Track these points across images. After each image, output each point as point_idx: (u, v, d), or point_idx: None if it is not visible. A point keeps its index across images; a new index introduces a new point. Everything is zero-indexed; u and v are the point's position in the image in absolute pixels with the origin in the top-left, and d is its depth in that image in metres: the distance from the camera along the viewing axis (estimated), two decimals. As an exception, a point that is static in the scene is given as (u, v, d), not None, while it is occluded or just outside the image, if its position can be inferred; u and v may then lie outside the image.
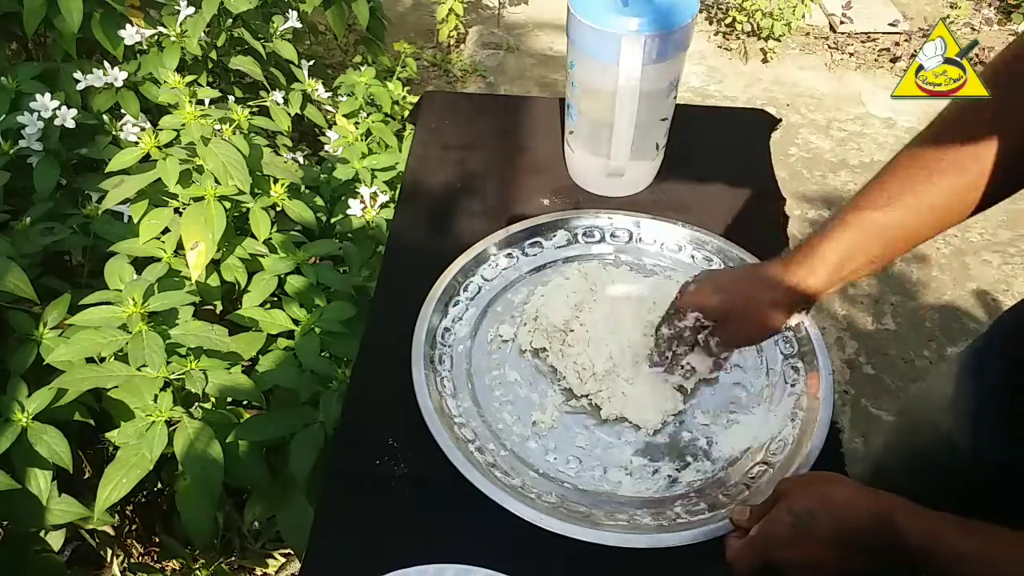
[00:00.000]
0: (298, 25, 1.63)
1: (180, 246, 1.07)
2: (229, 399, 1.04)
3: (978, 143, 0.60)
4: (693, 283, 0.75)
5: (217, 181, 1.08)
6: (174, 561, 1.32)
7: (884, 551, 0.56)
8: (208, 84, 1.51)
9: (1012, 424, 0.71)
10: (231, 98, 1.50)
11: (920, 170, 0.62)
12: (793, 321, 0.72)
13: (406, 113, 1.66)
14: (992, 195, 0.61)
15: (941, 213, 0.63)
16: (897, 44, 3.03)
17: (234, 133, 1.16)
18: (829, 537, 0.58)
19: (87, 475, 1.14)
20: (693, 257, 0.92)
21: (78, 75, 1.24)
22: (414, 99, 1.70)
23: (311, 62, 1.68)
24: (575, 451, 0.75)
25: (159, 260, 1.09)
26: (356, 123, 1.51)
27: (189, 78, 1.15)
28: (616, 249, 0.93)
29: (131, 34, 1.33)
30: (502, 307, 0.87)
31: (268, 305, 1.14)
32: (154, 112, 1.35)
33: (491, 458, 0.72)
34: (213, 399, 1.02)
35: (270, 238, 1.16)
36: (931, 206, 0.62)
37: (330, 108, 1.65)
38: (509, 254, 0.91)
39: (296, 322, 1.10)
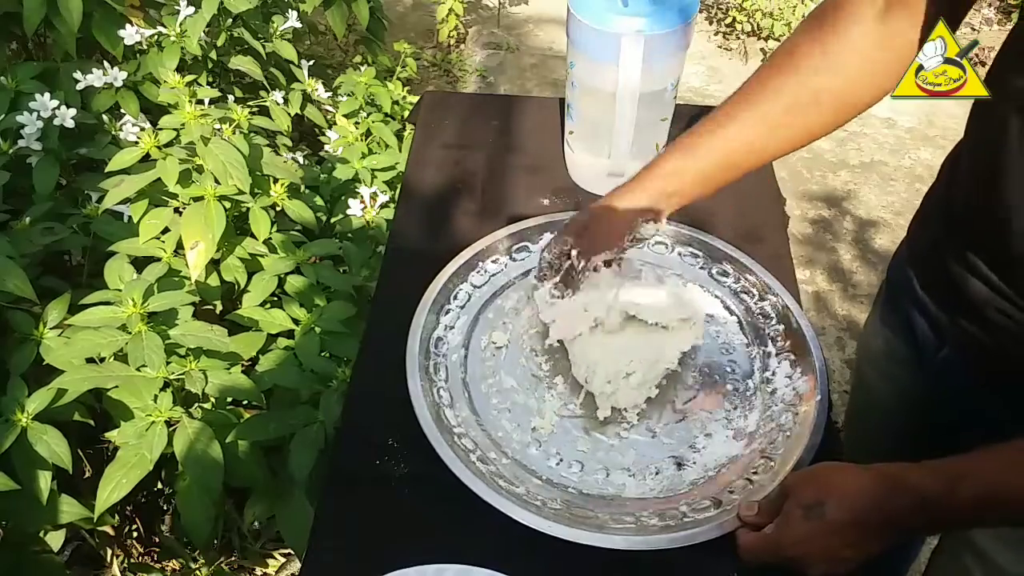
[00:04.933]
0: (298, 25, 1.63)
1: (180, 246, 1.07)
2: (229, 399, 1.04)
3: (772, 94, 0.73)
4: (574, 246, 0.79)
5: (217, 181, 1.08)
6: (174, 561, 1.32)
7: (900, 519, 0.58)
8: (208, 84, 1.51)
9: (931, 359, 0.78)
10: (231, 98, 1.50)
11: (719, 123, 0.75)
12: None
13: (406, 113, 1.66)
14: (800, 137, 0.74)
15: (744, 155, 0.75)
16: (897, 44, 3.03)
17: (234, 133, 1.16)
18: (843, 523, 0.59)
19: (87, 475, 1.14)
20: (680, 254, 0.92)
21: (78, 75, 1.23)
22: (414, 99, 1.70)
23: (311, 62, 1.68)
24: (576, 455, 0.75)
25: (159, 260, 1.09)
26: (356, 123, 1.51)
27: (189, 78, 1.15)
28: None
29: (131, 34, 1.33)
30: (493, 314, 0.87)
31: (268, 305, 1.14)
32: (154, 112, 1.35)
33: (493, 467, 0.71)
34: (213, 399, 1.02)
35: (270, 238, 1.16)
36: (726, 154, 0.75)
37: (330, 108, 1.65)
38: (495, 259, 0.90)
39: (296, 322, 1.10)
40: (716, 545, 0.65)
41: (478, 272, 0.89)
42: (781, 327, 0.83)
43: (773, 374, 0.80)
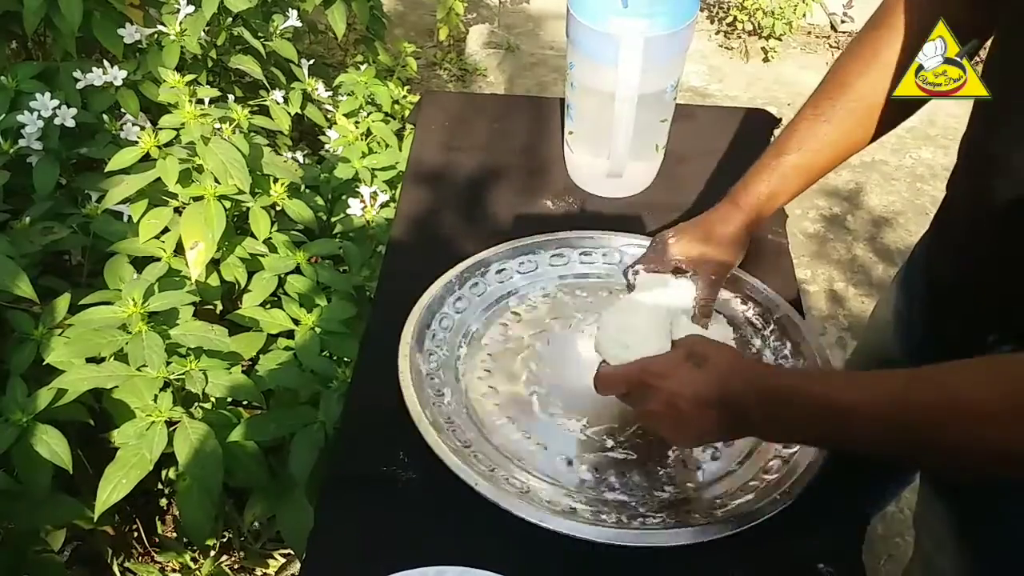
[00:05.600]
0: (298, 24, 1.63)
1: (180, 246, 1.07)
2: (229, 399, 1.04)
3: (857, 90, 0.75)
4: (672, 236, 0.81)
5: (217, 180, 1.08)
6: (174, 561, 1.32)
7: (735, 389, 0.60)
8: (208, 83, 1.50)
9: (934, 335, 0.79)
10: (231, 97, 1.49)
11: (818, 117, 0.77)
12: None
13: (406, 113, 1.66)
14: (877, 131, 0.77)
15: (840, 148, 0.78)
16: (898, 43, 3.02)
17: (234, 132, 1.16)
18: (712, 377, 0.62)
19: (87, 475, 1.14)
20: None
21: (78, 74, 1.23)
22: (414, 99, 1.70)
23: (311, 61, 1.67)
24: (586, 461, 0.74)
25: (159, 260, 1.09)
26: (356, 122, 1.51)
27: (189, 77, 1.14)
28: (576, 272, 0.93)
29: (131, 33, 1.33)
30: (472, 347, 0.85)
31: (268, 305, 1.14)
32: (154, 111, 1.35)
33: (515, 482, 0.71)
34: (213, 399, 1.02)
35: (270, 237, 1.16)
36: (831, 143, 0.77)
37: (330, 107, 1.65)
38: (475, 283, 0.89)
39: (296, 322, 1.10)
40: (719, 543, 0.65)
41: (449, 305, 0.87)
42: (785, 341, 0.83)
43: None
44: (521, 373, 0.82)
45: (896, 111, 0.76)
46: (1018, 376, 0.48)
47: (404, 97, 1.72)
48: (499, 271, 0.90)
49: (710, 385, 0.61)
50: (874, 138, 0.78)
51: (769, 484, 0.70)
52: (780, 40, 3.04)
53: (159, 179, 1.06)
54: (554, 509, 0.67)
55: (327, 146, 1.52)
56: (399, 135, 1.54)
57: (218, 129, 1.13)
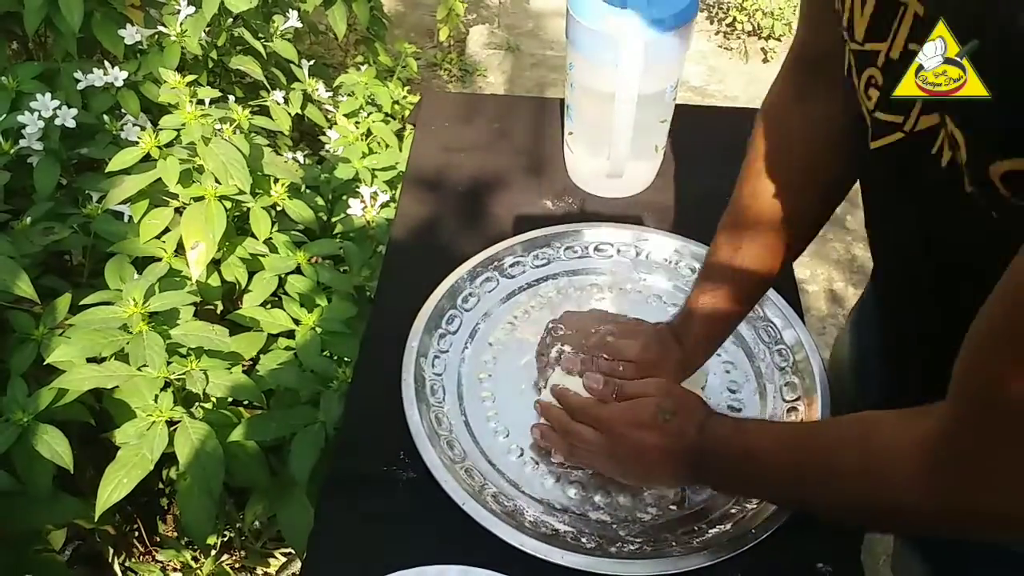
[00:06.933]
0: (298, 25, 1.63)
1: (180, 246, 1.08)
2: (230, 399, 1.04)
3: (766, 213, 0.71)
4: (613, 332, 0.76)
5: (217, 181, 1.08)
6: (175, 560, 1.32)
7: (682, 433, 0.63)
8: (208, 84, 1.51)
9: (889, 373, 0.79)
10: (231, 98, 1.50)
11: (731, 249, 0.72)
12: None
13: (406, 113, 1.66)
14: (791, 251, 0.73)
15: (759, 279, 0.73)
16: (898, 43, 3.02)
17: (234, 133, 1.16)
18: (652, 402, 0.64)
19: (88, 475, 1.15)
20: (692, 270, 0.90)
21: (78, 75, 1.23)
22: (414, 99, 1.71)
23: (311, 62, 1.68)
24: (579, 476, 0.74)
25: (159, 260, 1.09)
26: (356, 123, 1.51)
27: (189, 78, 1.15)
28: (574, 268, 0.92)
29: (131, 34, 1.33)
30: (480, 344, 0.85)
31: (269, 305, 1.14)
32: (154, 112, 1.35)
33: (492, 489, 0.71)
34: (214, 399, 1.02)
35: (270, 238, 1.17)
36: (748, 275, 0.72)
37: (330, 108, 1.65)
38: (488, 277, 0.89)
39: (297, 322, 1.10)
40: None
41: (462, 299, 0.87)
42: (786, 349, 0.82)
43: (773, 399, 0.80)
44: (521, 380, 0.81)
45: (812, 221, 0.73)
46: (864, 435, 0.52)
47: (404, 97, 1.72)
48: (512, 264, 0.90)
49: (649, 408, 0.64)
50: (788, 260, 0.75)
51: (748, 514, 0.69)
52: (779, 41, 3.04)
53: (160, 179, 1.06)
54: (536, 531, 0.67)
55: (327, 146, 1.52)
56: (399, 135, 1.54)
57: (218, 129, 1.13)
